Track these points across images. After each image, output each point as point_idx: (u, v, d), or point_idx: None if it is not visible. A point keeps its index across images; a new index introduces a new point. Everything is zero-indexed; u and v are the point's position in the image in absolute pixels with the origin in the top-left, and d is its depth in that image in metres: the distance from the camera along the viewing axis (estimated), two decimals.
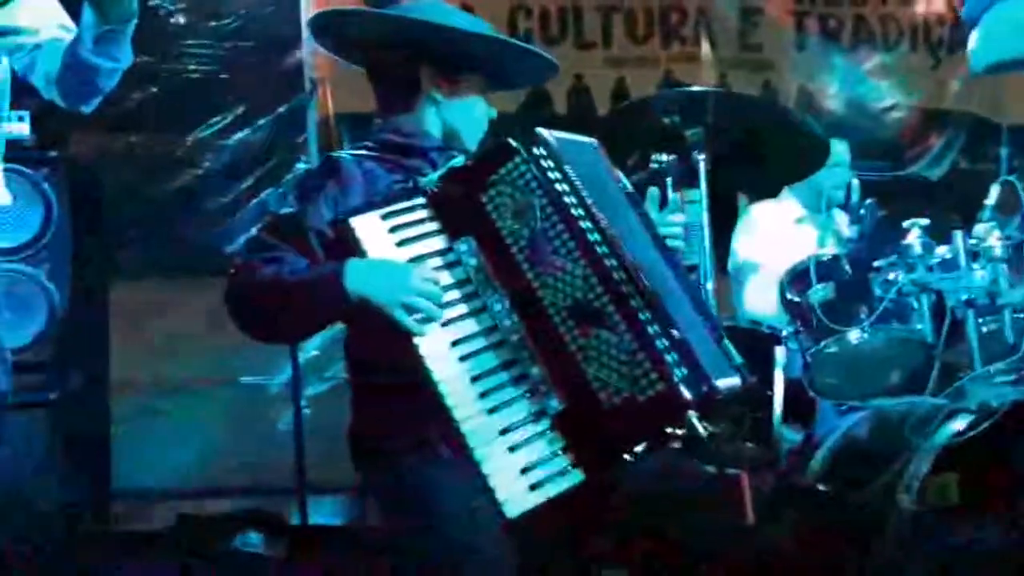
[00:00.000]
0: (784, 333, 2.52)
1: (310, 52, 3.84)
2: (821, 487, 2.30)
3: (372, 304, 1.52)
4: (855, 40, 4.32)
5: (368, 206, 1.58)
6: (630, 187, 1.78)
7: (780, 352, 2.51)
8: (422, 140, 1.78)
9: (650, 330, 1.47)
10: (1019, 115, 4.38)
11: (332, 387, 3.74)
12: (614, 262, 1.51)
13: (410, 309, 1.50)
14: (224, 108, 3.88)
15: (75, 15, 1.81)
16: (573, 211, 1.53)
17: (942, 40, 4.38)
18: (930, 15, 4.37)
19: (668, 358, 1.46)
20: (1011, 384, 2.22)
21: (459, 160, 1.63)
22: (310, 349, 3.70)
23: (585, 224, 1.52)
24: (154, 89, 3.80)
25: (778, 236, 3.22)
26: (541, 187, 1.53)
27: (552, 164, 1.56)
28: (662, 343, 1.47)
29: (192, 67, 3.88)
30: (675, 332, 1.49)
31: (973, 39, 1.98)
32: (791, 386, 2.53)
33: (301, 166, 3.92)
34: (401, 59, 1.77)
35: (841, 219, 3.33)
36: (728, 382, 1.56)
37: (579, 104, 4.01)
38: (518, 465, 1.46)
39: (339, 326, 3.69)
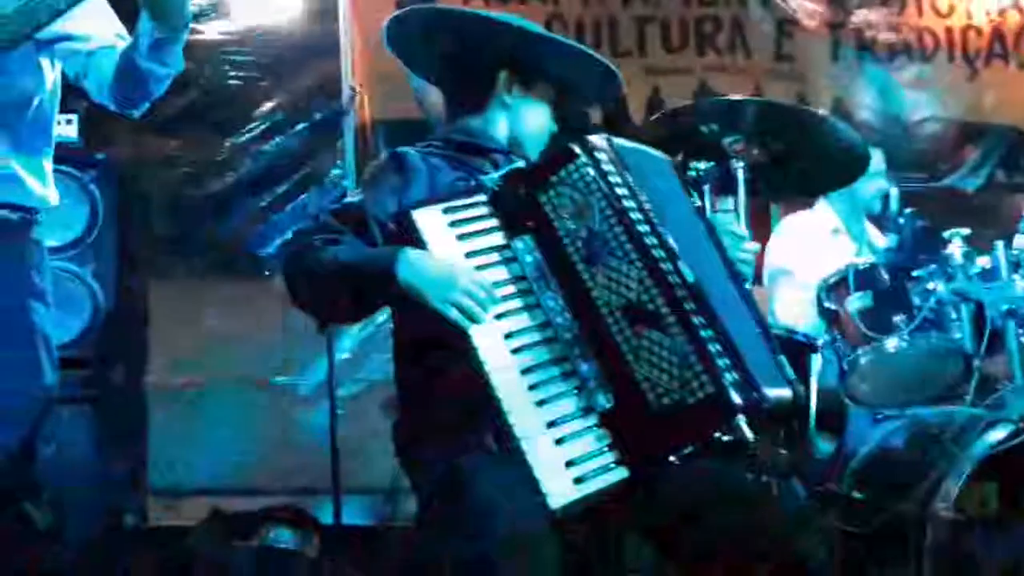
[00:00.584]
0: (820, 342, 2.52)
1: (348, 59, 3.89)
2: (856, 494, 2.30)
3: (417, 294, 1.55)
4: (890, 51, 4.31)
5: (431, 200, 1.62)
6: (699, 200, 1.82)
7: (816, 360, 2.50)
8: (487, 141, 1.82)
9: (703, 334, 1.49)
10: None
11: (364, 389, 3.79)
12: (669, 266, 1.53)
13: (455, 306, 1.52)
14: (262, 114, 3.95)
15: (129, 22, 1.86)
16: (631, 214, 1.56)
17: (979, 52, 4.35)
18: (967, 27, 4.35)
19: (720, 363, 1.47)
20: None
21: (521, 163, 1.67)
22: (342, 351, 3.75)
23: (643, 228, 1.55)
24: (195, 95, 3.87)
25: (813, 245, 3.22)
26: (600, 189, 1.56)
27: (613, 168, 1.59)
28: (714, 347, 1.48)
29: (232, 74, 3.95)
30: (728, 338, 1.50)
31: None
32: (823, 395, 2.53)
33: (336, 171, 3.98)
34: (480, 60, 1.81)
35: (873, 231, 3.32)
36: (778, 392, 1.57)
37: (615, 112, 4.03)
38: (564, 457, 1.47)
39: (372, 327, 3.71)
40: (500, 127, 1.83)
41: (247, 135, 3.95)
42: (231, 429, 3.70)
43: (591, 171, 1.57)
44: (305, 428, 3.68)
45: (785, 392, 1.60)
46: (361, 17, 3.84)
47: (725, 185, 2.47)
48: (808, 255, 3.18)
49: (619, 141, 1.66)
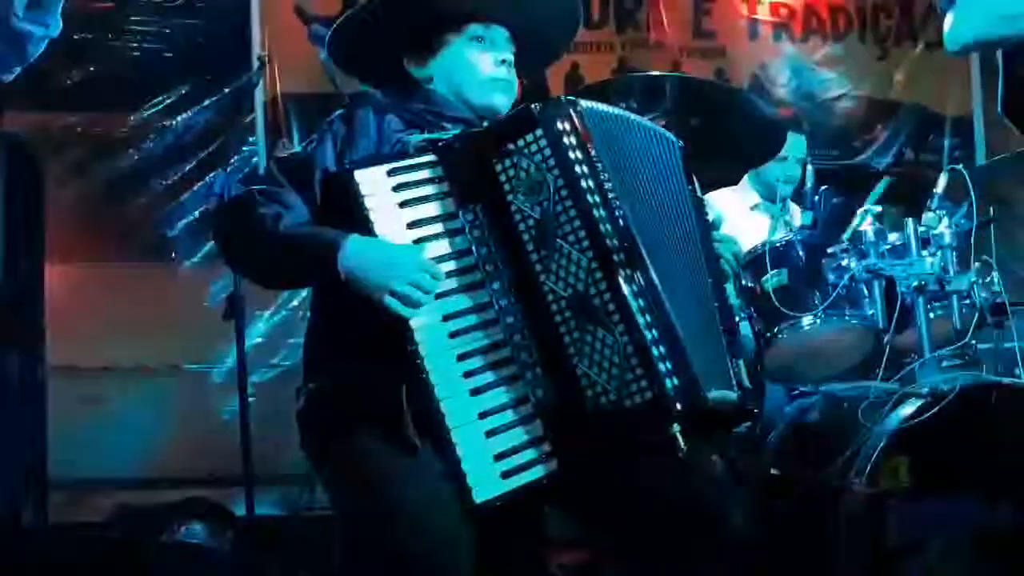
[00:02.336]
0: (738, 318, 2.52)
1: (258, 30, 3.74)
2: (773, 471, 2.32)
3: (357, 284, 1.46)
4: (805, 30, 4.37)
5: (375, 159, 1.51)
6: (697, 187, 1.68)
7: None
8: (449, 109, 1.70)
9: (648, 335, 1.42)
10: (962, 107, 4.48)
11: (278, 375, 3.68)
12: (623, 257, 1.44)
13: (397, 295, 1.44)
14: (168, 87, 3.77)
15: None
16: (588, 197, 1.45)
17: (889, 31, 4.45)
18: (877, 7, 4.44)
19: (661, 367, 1.41)
20: (959, 368, 2.25)
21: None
22: (255, 336, 3.63)
23: (598, 212, 1.45)
24: (93, 68, 3.67)
25: (735, 223, 3.24)
26: (558, 165, 1.45)
27: (575, 141, 1.47)
28: (658, 349, 1.42)
29: (134, 44, 3.76)
30: (675, 339, 1.43)
31: (948, 21, 2.03)
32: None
33: (247, 149, 3.84)
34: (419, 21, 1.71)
35: (795, 210, 3.36)
36: (720, 395, 1.51)
37: (533, 88, 3.97)
38: (493, 450, 1.42)
39: (285, 311, 3.57)
40: (446, 81, 1.71)
41: (151, 110, 3.78)
42: (138, 418, 3.56)
43: (551, 144, 1.45)
44: (217, 416, 3.56)
45: (728, 394, 1.54)
46: None
47: None
48: (731, 231, 3.19)
49: (593, 106, 1.53)
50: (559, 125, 1.47)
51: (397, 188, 1.47)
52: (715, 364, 1.54)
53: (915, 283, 2.23)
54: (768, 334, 2.41)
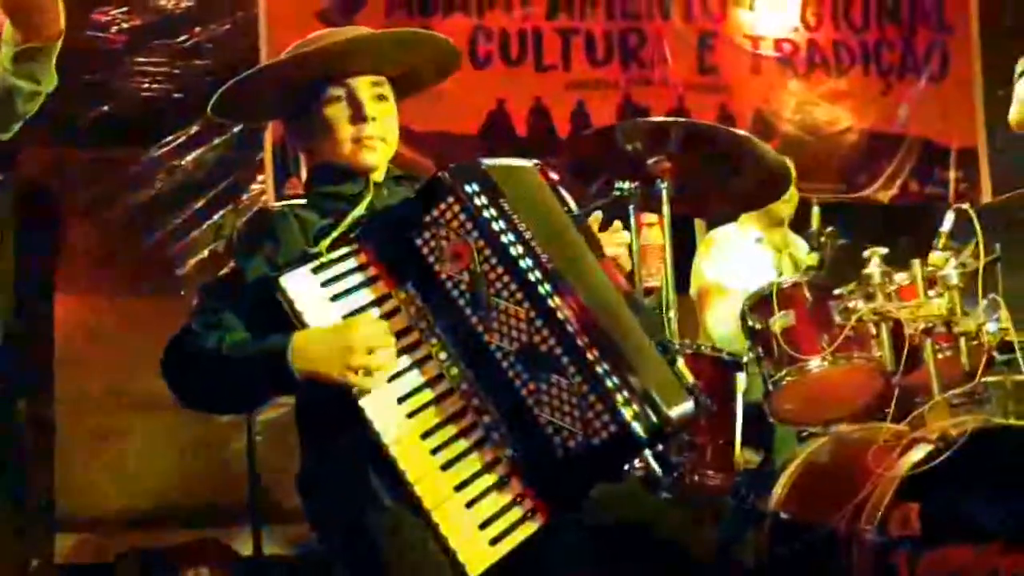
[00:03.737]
0: (745, 359, 2.53)
1: None
2: (784, 514, 2.31)
3: (320, 378, 1.46)
4: (809, 65, 4.40)
5: (299, 260, 1.51)
6: (572, 205, 1.69)
7: (741, 379, 2.51)
8: (339, 178, 1.68)
9: (599, 369, 1.43)
10: (966, 139, 4.49)
11: (285, 413, 3.68)
12: (558, 300, 1.46)
13: (358, 371, 1.44)
14: (178, 127, 3.81)
15: None
16: (512, 250, 1.47)
17: (892, 66, 4.48)
18: (879, 41, 4.47)
19: (619, 397, 1.42)
20: (968, 409, 2.25)
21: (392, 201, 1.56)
22: None
23: (525, 263, 1.47)
24: (106, 107, 3.72)
25: (739, 256, 3.25)
26: (476, 228, 1.47)
27: (486, 200, 1.49)
28: (612, 381, 1.43)
29: (146, 85, 3.81)
30: (625, 367, 1.45)
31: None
32: (751, 409, 2.54)
33: (256, 186, 3.87)
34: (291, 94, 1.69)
35: (793, 238, 3.37)
36: (681, 409, 1.53)
37: (539, 126, 4.01)
38: (477, 521, 1.42)
39: None
40: (319, 150, 1.69)
41: (162, 149, 3.81)
42: (148, 457, 3.56)
43: (464, 208, 1.48)
44: (226, 455, 3.56)
45: (688, 405, 1.56)
46: (279, 29, 3.74)
47: (648, 203, 2.47)
48: (737, 267, 3.20)
49: (491, 163, 1.55)
50: (468, 188, 1.50)
51: (325, 283, 1.49)
52: (664, 377, 1.56)
53: (922, 325, 2.23)
54: (775, 376, 2.41)
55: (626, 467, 1.59)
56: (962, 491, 1.94)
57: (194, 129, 3.82)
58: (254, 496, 2.85)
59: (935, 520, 1.93)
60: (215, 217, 3.76)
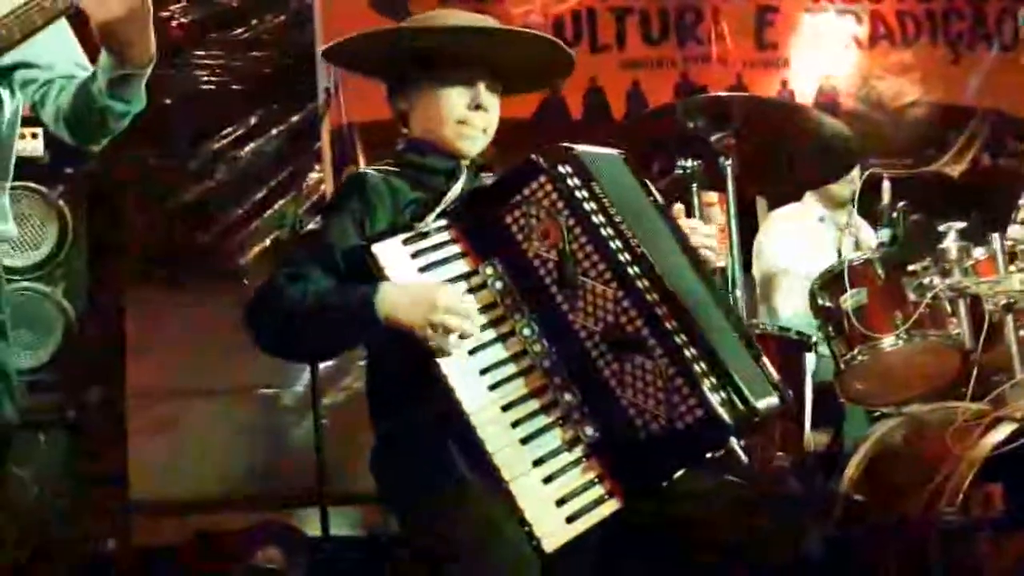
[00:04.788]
0: (814, 339, 2.47)
1: (323, 62, 3.81)
2: (857, 496, 2.25)
3: (403, 326, 1.48)
4: (873, 36, 4.27)
5: (390, 231, 1.55)
6: (658, 196, 1.71)
7: (810, 359, 2.46)
8: (437, 158, 1.71)
9: (687, 353, 1.43)
10: None
11: (349, 398, 3.72)
12: (647, 283, 1.46)
13: (438, 327, 1.45)
14: (237, 119, 3.86)
15: (93, 55, 1.76)
16: (603, 231, 1.48)
17: (961, 35, 4.32)
18: (948, 10, 4.32)
19: (707, 383, 1.42)
20: None
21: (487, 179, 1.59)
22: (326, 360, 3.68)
23: (615, 244, 1.48)
24: (167, 101, 3.78)
25: (804, 236, 3.18)
26: (568, 207, 1.48)
27: (579, 182, 1.51)
28: (700, 367, 1.42)
29: (204, 78, 3.86)
30: (713, 354, 1.44)
31: None
32: (821, 391, 2.48)
33: (315, 175, 3.91)
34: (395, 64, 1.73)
35: (858, 219, 3.28)
36: (767, 402, 1.51)
37: (594, 108, 3.96)
38: (554, 496, 1.42)
39: None
40: (419, 119, 1.72)
41: (221, 141, 3.87)
42: (214, 442, 3.63)
43: (557, 187, 1.49)
44: (290, 439, 3.62)
45: (773, 399, 1.54)
46: (336, 20, 3.76)
47: (712, 181, 2.42)
48: (801, 246, 3.14)
49: (582, 148, 1.57)
50: (561, 168, 1.51)
51: (415, 255, 1.51)
52: (751, 369, 1.55)
53: (1003, 301, 2.15)
54: (847, 355, 2.35)
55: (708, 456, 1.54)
56: None
57: (252, 121, 3.87)
58: (321, 477, 2.89)
59: (1019, 502, 1.86)
60: (275, 207, 3.81)
